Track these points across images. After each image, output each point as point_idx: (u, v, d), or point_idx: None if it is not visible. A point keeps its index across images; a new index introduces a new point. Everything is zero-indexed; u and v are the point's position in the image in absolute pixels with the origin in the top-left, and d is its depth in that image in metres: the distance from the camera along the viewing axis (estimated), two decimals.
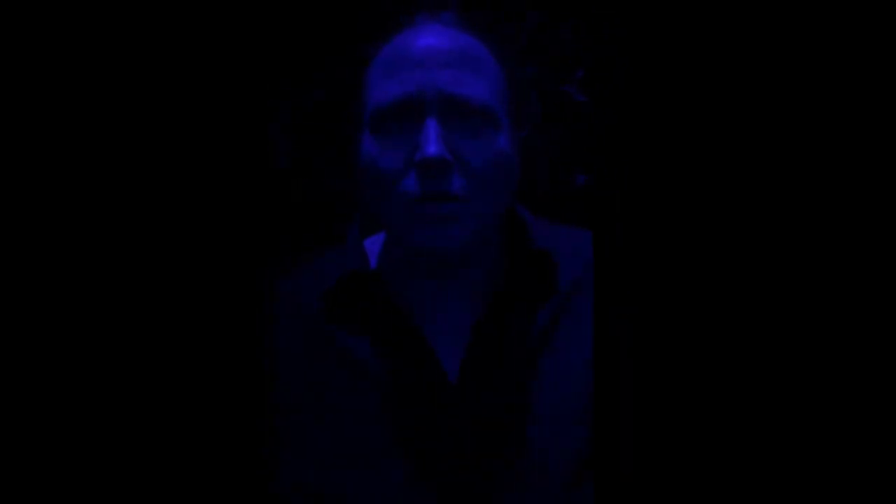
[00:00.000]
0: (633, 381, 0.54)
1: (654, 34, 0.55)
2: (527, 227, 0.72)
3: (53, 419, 0.54)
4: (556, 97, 1.54)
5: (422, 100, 0.63)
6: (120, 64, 0.56)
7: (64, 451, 0.54)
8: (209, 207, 0.57)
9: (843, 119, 0.53)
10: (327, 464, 0.66)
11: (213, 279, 0.57)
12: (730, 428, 0.53)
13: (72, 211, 0.55)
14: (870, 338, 0.52)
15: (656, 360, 0.54)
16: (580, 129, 1.51)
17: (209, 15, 0.57)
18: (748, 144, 0.54)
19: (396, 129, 0.64)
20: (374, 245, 0.74)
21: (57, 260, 0.55)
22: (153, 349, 0.56)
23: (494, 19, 0.69)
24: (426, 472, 0.64)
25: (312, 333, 0.71)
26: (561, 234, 0.74)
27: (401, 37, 0.66)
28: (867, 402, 0.52)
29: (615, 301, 0.56)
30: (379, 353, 0.68)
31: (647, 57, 0.55)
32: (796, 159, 0.53)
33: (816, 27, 0.53)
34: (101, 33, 0.56)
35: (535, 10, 1.50)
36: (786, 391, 0.53)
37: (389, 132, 0.64)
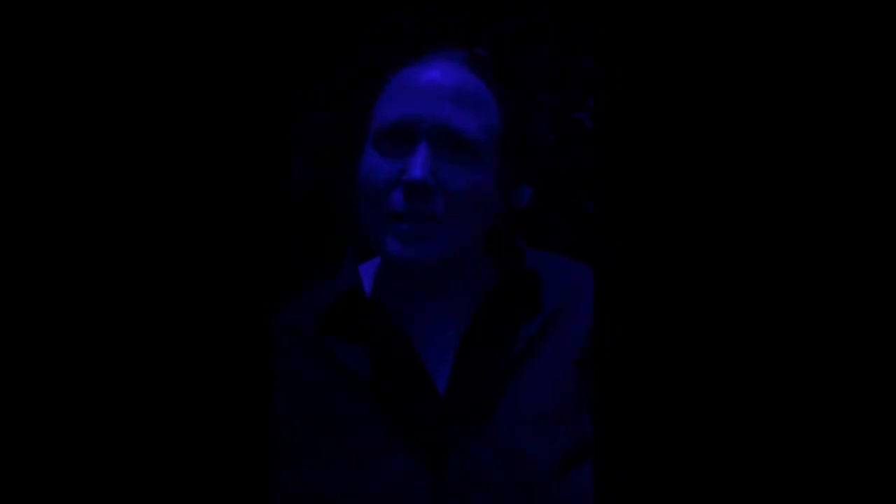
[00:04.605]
0: (631, 389, 0.55)
1: (661, 65, 0.56)
2: (519, 252, 0.80)
3: (65, 431, 0.56)
4: (570, 125, 1.56)
5: (419, 124, 0.72)
6: (135, 85, 0.58)
7: (67, 459, 0.56)
8: (224, 228, 0.59)
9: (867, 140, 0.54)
10: (326, 467, 0.72)
11: (224, 302, 0.58)
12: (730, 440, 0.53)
13: (79, 230, 0.57)
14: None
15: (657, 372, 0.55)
16: (592, 156, 1.52)
17: (234, 35, 0.59)
18: (758, 177, 0.55)
19: (393, 146, 0.72)
20: (368, 269, 0.82)
21: (68, 277, 0.56)
22: (161, 364, 0.57)
23: (505, 64, 0.76)
24: (417, 475, 0.70)
25: (312, 350, 0.77)
26: (552, 261, 0.81)
27: (414, 68, 0.74)
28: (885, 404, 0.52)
29: (614, 323, 0.56)
30: (373, 365, 0.75)
31: (651, 86, 0.56)
32: (809, 181, 0.54)
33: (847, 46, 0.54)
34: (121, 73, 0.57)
35: (549, 42, 1.52)
36: (788, 398, 0.53)
37: (387, 148, 0.72)
